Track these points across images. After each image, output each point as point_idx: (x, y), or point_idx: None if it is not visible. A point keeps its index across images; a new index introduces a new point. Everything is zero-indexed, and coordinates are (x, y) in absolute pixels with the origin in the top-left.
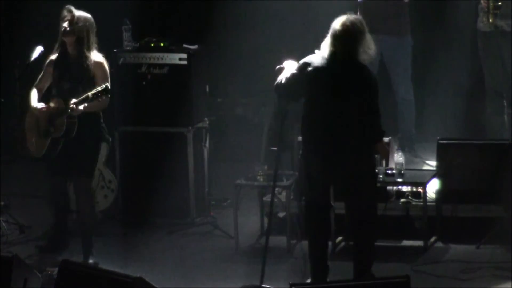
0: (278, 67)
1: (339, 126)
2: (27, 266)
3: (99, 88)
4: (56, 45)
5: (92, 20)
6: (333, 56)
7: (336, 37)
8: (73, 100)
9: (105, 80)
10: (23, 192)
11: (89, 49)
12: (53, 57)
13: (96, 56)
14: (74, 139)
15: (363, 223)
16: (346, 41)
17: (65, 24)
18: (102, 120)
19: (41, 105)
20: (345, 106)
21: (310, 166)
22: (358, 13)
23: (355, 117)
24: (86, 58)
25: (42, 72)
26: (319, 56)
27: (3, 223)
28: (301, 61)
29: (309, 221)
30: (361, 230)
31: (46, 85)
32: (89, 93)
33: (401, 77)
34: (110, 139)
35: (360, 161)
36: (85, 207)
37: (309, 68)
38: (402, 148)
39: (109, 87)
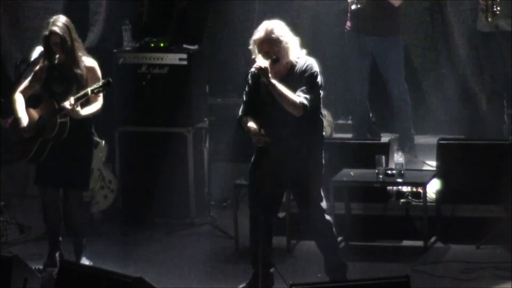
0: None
1: None
2: (27, 266)
3: (100, 83)
4: (40, 53)
5: (71, 23)
6: None
7: None
8: (71, 98)
9: (95, 81)
10: (23, 192)
11: (77, 53)
12: (41, 64)
13: (87, 60)
14: (66, 148)
15: None
16: None
17: (56, 40)
18: (93, 126)
19: (29, 109)
20: None
21: None
22: (348, 15)
23: None
24: (78, 62)
25: (29, 80)
26: None
27: (3, 223)
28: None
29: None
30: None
31: (30, 93)
32: (88, 89)
33: (394, 78)
34: (102, 142)
35: None
36: (77, 216)
37: None
38: (402, 148)
39: (111, 81)
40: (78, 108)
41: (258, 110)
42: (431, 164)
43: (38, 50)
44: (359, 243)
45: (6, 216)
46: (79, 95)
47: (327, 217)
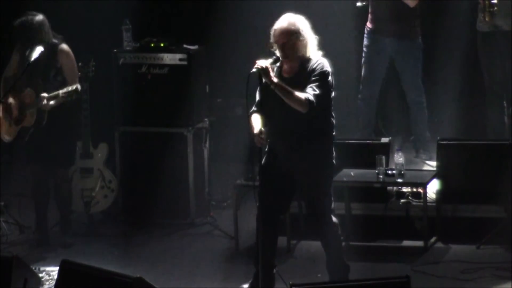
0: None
1: None
2: (27, 266)
3: (69, 88)
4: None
5: (43, 18)
6: None
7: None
8: (44, 94)
9: (72, 70)
10: (23, 192)
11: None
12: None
13: (63, 46)
14: (47, 130)
15: None
16: None
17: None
18: (76, 113)
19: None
20: None
21: None
22: (369, 16)
23: None
24: (53, 51)
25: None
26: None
27: (3, 223)
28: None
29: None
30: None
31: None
32: (60, 92)
33: (412, 81)
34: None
35: None
36: (65, 190)
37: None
38: (416, 150)
39: (79, 89)
40: (51, 102)
41: (265, 110)
42: (431, 164)
43: (38, 50)
44: (359, 243)
45: (6, 216)
46: (51, 95)
47: (334, 218)
